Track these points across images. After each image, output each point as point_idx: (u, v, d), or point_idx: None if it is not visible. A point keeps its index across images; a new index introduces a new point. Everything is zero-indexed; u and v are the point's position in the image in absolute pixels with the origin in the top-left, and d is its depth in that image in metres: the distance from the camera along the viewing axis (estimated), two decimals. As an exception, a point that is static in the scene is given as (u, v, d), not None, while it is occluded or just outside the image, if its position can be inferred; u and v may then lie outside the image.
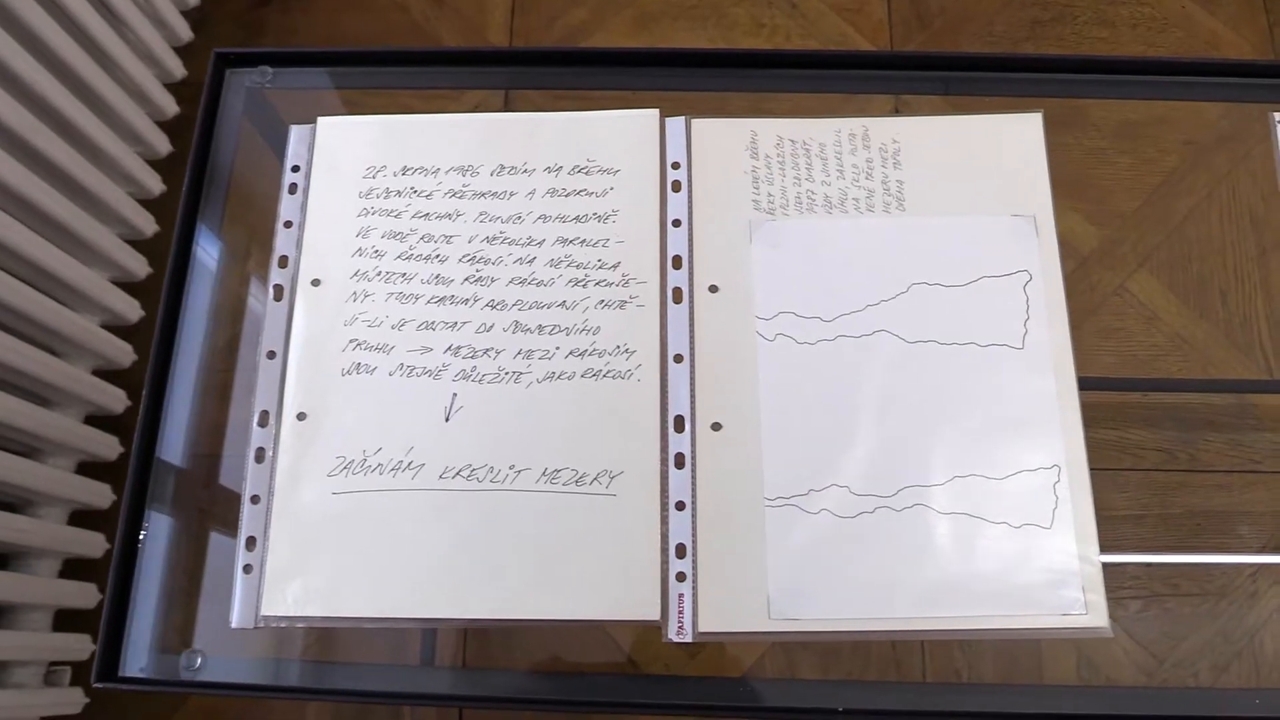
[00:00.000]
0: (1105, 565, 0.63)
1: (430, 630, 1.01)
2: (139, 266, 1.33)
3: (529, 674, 0.66)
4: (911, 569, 0.63)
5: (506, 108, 1.34)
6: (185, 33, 1.47)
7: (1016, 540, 0.63)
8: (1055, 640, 1.37)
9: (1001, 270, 0.68)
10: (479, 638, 1.18)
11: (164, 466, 0.68)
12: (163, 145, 1.40)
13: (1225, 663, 1.35)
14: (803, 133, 0.72)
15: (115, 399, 1.26)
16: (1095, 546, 0.63)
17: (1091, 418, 1.46)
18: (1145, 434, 1.44)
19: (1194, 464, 1.42)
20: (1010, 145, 0.71)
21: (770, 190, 0.71)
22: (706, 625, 0.62)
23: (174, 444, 0.69)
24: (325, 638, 0.74)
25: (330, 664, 0.69)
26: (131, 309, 1.30)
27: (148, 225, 1.35)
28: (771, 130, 0.72)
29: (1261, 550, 1.40)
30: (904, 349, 0.67)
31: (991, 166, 0.71)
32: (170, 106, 1.41)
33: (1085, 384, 0.66)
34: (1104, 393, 1.44)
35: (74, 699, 1.18)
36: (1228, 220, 1.49)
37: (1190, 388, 1.46)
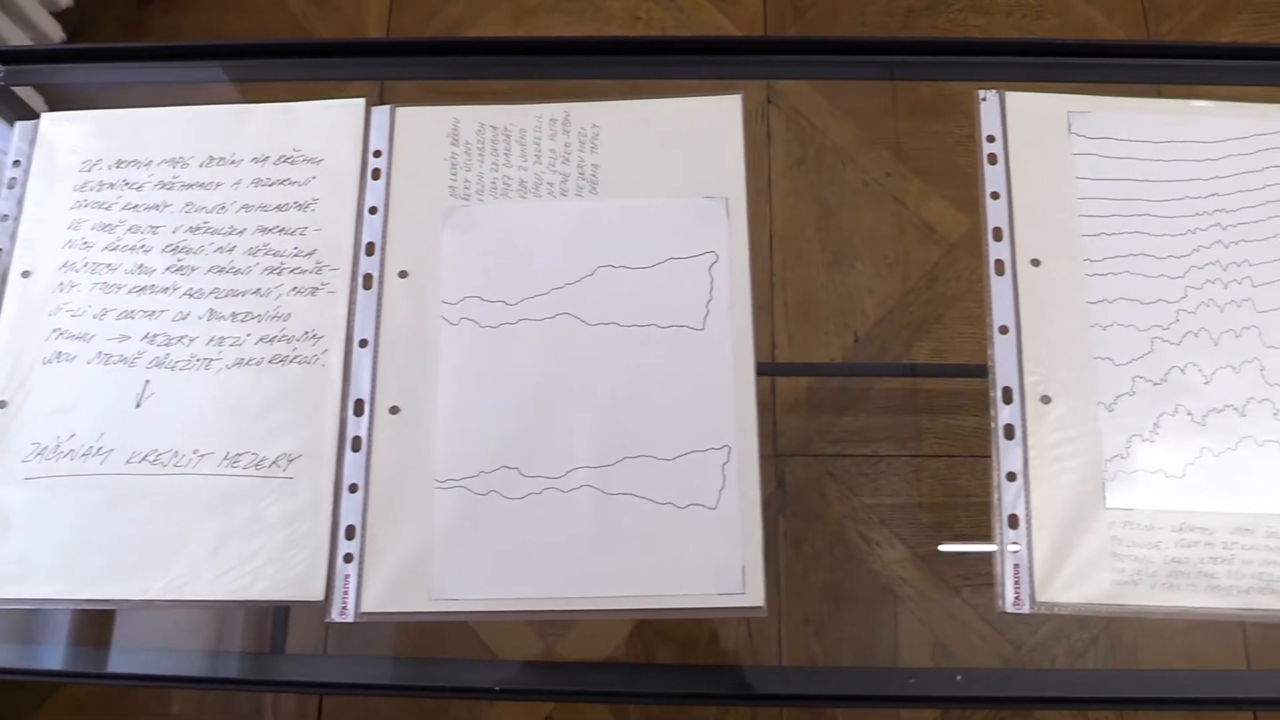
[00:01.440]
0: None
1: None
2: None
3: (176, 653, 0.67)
4: (577, 549, 0.64)
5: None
6: (57, 34, 1.49)
7: (682, 520, 0.64)
8: (913, 627, 1.37)
9: (689, 252, 0.69)
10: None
11: None
12: None
13: (1082, 649, 1.35)
14: (505, 119, 0.72)
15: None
16: (759, 527, 0.64)
17: (956, 405, 1.46)
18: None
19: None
20: (708, 128, 0.71)
21: (468, 176, 0.71)
22: (369, 606, 0.63)
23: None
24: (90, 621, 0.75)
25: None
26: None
27: None
28: (474, 117, 0.73)
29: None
30: (586, 331, 0.67)
31: (689, 149, 0.71)
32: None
33: (764, 369, 0.66)
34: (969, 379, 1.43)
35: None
36: (1098, 206, 1.48)
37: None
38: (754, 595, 0.62)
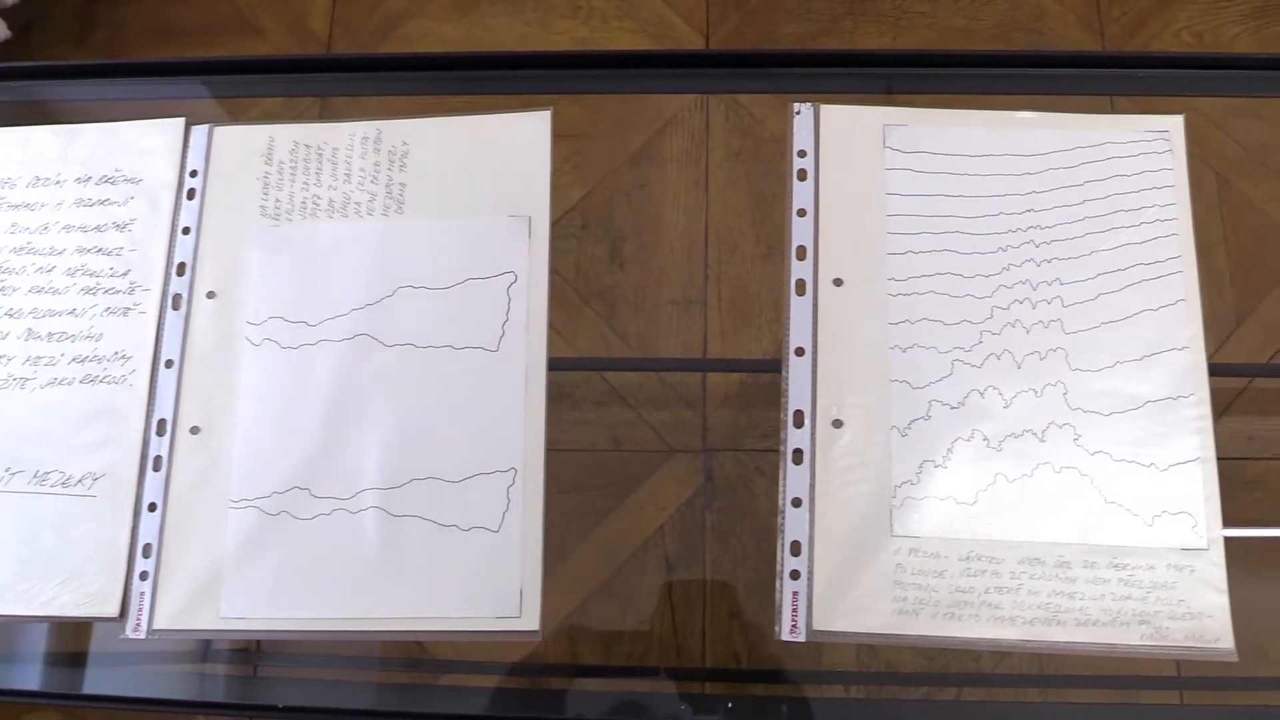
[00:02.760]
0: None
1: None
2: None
3: None
4: (363, 570, 0.64)
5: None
6: (2, 32, 1.52)
7: (465, 543, 0.64)
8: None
9: (488, 272, 0.69)
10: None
11: None
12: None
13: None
14: (319, 137, 0.73)
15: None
16: (539, 550, 0.64)
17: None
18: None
19: None
20: (516, 145, 0.71)
21: (279, 196, 0.72)
22: (162, 623, 0.65)
23: None
24: None
25: None
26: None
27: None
28: (289, 135, 0.73)
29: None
30: (382, 352, 0.68)
31: (496, 167, 0.71)
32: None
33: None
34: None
35: None
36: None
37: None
38: (530, 619, 0.63)
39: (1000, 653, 1.37)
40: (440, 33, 1.59)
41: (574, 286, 1.44)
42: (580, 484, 1.39)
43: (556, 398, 1.42)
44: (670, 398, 1.41)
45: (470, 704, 1.16)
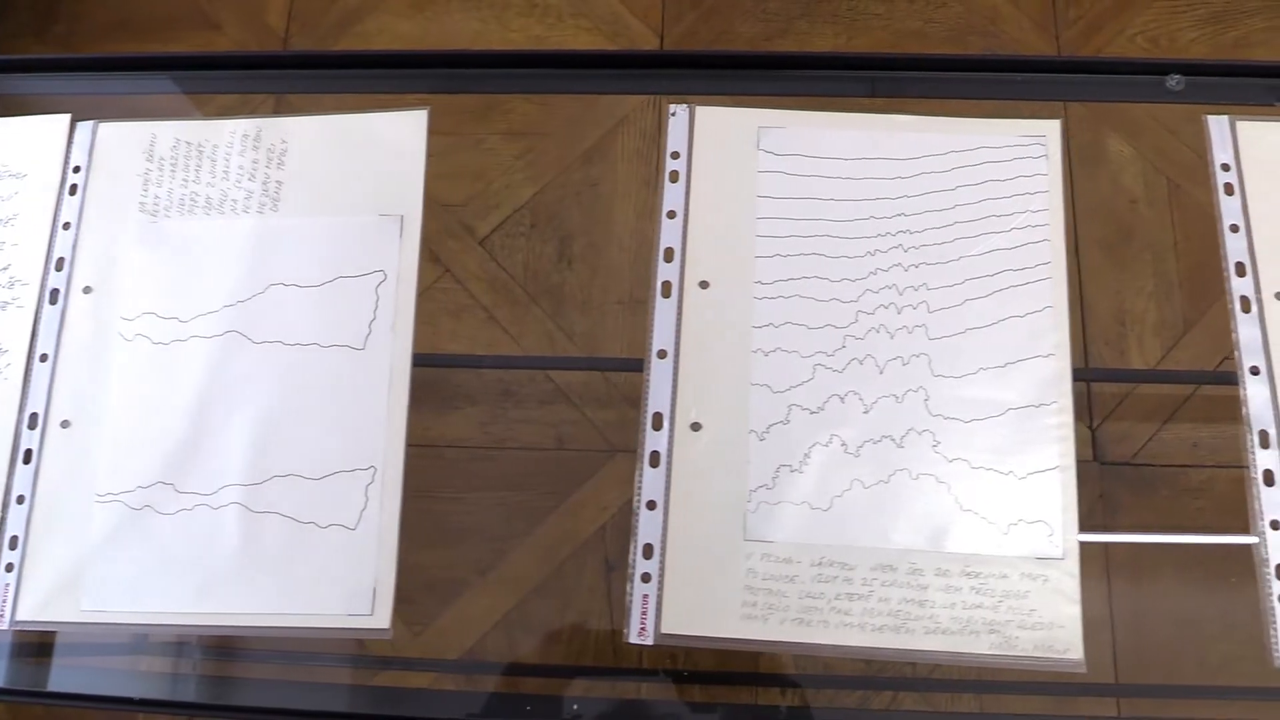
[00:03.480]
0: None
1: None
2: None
3: None
4: (223, 565, 0.65)
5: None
6: (-38, 27, 1.53)
7: (323, 540, 0.64)
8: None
9: (359, 271, 0.69)
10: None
11: None
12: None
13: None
14: (200, 134, 0.73)
15: None
16: (394, 548, 0.64)
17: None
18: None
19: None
20: (391, 144, 0.71)
21: (158, 192, 0.72)
22: (24, 614, 0.65)
23: None
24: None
25: None
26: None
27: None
28: (170, 132, 0.73)
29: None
30: (252, 349, 0.68)
31: (372, 165, 0.71)
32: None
33: (420, 359, 0.66)
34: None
35: None
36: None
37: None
38: (381, 618, 0.63)
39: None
40: (396, 28, 1.59)
41: (521, 284, 1.44)
42: (523, 483, 1.39)
43: (502, 395, 1.43)
44: (614, 397, 1.41)
45: (406, 705, 1.16)
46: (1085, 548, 0.61)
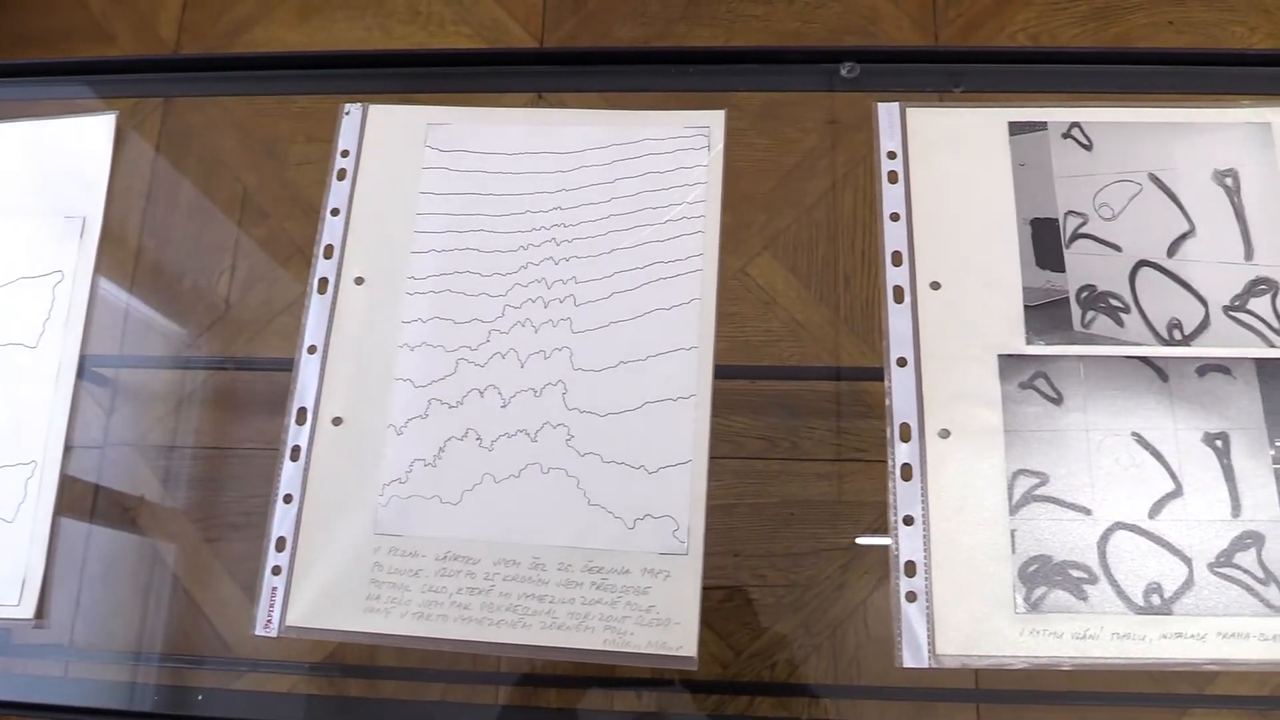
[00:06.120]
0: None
1: None
2: None
3: None
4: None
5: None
6: None
7: (-18, 533, 0.66)
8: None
9: (39, 271, 0.70)
10: None
11: None
12: None
13: (804, 655, 1.31)
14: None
15: None
16: (45, 541, 0.65)
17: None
18: (749, 421, 1.39)
19: (795, 452, 1.37)
20: (78, 148, 0.72)
21: None
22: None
23: None
24: None
25: None
26: None
27: None
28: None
29: (853, 540, 1.34)
30: (-66, 348, 0.70)
31: (58, 169, 0.72)
32: None
33: (91, 361, 0.68)
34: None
35: None
36: (861, 203, 1.42)
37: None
38: (27, 608, 0.64)
39: (793, 663, 1.35)
40: (284, 38, 1.62)
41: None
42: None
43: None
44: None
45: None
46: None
